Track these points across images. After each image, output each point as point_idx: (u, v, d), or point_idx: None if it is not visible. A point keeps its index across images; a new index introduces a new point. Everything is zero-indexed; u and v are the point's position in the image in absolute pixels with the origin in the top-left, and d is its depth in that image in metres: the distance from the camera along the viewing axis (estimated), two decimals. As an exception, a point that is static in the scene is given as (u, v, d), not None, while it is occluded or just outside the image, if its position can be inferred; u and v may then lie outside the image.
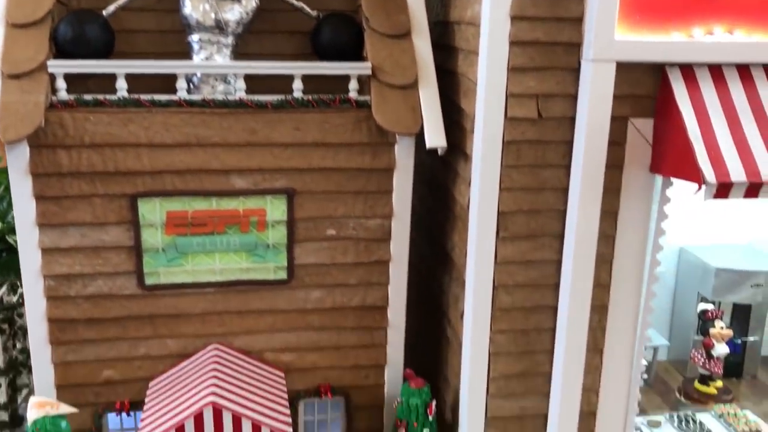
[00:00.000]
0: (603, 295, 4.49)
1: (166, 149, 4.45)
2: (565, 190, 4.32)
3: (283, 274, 4.80)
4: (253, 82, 4.59)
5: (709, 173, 3.77)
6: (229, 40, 4.71)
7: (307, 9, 4.91)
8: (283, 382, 4.80)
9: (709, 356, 6.42)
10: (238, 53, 4.82)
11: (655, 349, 7.65)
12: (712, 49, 4.07)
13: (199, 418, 4.09)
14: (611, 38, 3.99)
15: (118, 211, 4.52)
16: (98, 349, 4.73)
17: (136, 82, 4.48)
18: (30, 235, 4.46)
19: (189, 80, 4.69)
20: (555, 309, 4.52)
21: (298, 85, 4.60)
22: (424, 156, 5.13)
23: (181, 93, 4.48)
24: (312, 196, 4.70)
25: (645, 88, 4.17)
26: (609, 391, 4.70)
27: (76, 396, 4.71)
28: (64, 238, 4.50)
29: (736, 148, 3.89)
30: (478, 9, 4.22)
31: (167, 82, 4.51)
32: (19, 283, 5.91)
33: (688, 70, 4.09)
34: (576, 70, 4.12)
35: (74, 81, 4.48)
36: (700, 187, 3.79)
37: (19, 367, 6.30)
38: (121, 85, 4.43)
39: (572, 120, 4.20)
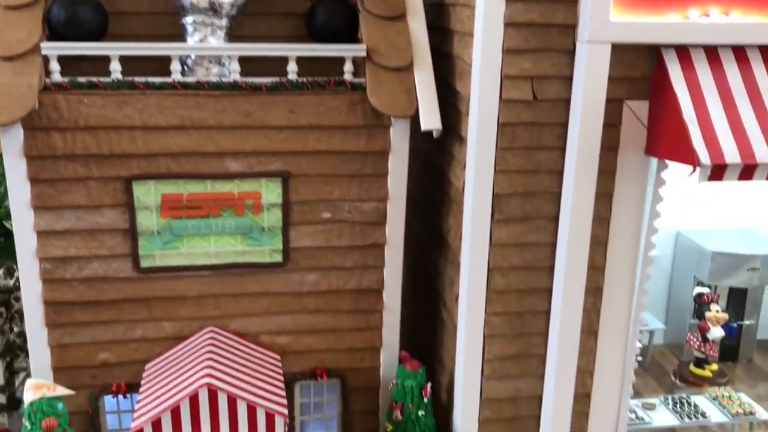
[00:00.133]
0: (598, 278, 4.50)
1: (161, 132, 4.45)
2: (560, 173, 4.32)
3: (278, 257, 4.80)
4: (248, 65, 4.57)
5: (703, 155, 3.76)
6: (224, 22, 4.69)
7: (302, -9, 4.89)
8: (279, 364, 4.82)
9: (705, 339, 6.45)
10: (233, 35, 4.80)
11: (651, 333, 7.69)
12: (708, 31, 4.06)
13: (194, 400, 4.11)
14: (606, 19, 3.97)
15: (113, 193, 4.51)
16: (94, 332, 4.74)
17: (130, 64, 4.46)
18: (25, 218, 4.46)
19: (183, 62, 4.68)
20: (550, 291, 4.54)
21: (292, 68, 4.58)
22: (420, 139, 5.12)
23: (176, 75, 4.46)
24: (307, 179, 4.70)
25: (640, 70, 4.16)
26: (603, 373, 4.72)
27: (73, 378, 4.73)
28: (60, 221, 4.50)
29: (731, 129, 3.89)
30: (473, -10, 4.20)
31: (161, 65, 4.49)
32: (15, 267, 5.91)
33: (683, 52, 4.08)
34: (571, 52, 4.11)
35: (68, 63, 4.46)
36: (694, 169, 3.79)
37: (17, 350, 6.32)
38: (115, 67, 4.41)
39: (567, 102, 4.19)
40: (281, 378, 4.64)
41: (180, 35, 4.73)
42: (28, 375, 4.81)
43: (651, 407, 6.13)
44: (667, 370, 7.43)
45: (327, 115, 4.58)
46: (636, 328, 4.69)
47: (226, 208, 4.65)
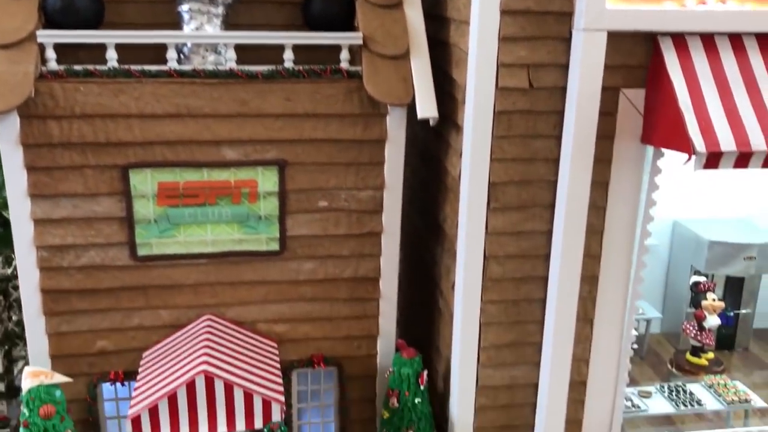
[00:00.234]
0: (593, 266, 4.51)
1: (157, 120, 4.44)
2: (556, 161, 4.32)
3: (275, 246, 4.81)
4: (244, 53, 4.57)
5: (699, 143, 3.77)
6: (220, 10, 4.68)
7: (298, -21, 4.88)
8: (276, 352, 4.84)
9: (701, 328, 6.46)
10: (229, 23, 4.79)
11: (648, 322, 7.71)
12: (705, 18, 4.05)
13: (191, 387, 4.13)
14: (602, 7, 3.97)
15: (109, 182, 4.52)
16: (92, 320, 4.76)
17: (126, 52, 4.45)
18: (22, 206, 4.47)
19: (179, 50, 4.67)
20: (545, 279, 4.55)
21: (288, 56, 4.58)
22: (417, 128, 5.13)
23: (172, 63, 4.46)
24: (303, 168, 4.70)
25: (636, 58, 4.16)
26: (599, 361, 4.74)
27: (71, 366, 4.75)
28: (56, 209, 4.51)
29: (727, 117, 3.89)
30: (470, -22, 4.19)
31: (158, 53, 4.48)
32: (13, 256, 5.92)
33: (679, 40, 4.07)
34: (567, 40, 4.10)
35: (65, 51, 4.45)
36: (690, 157, 3.79)
37: (15, 339, 6.33)
38: (111, 55, 4.40)
39: (563, 90, 4.19)
40: (278, 366, 4.66)
41: (176, 23, 4.72)
42: (27, 363, 4.83)
43: (647, 395, 6.15)
44: (663, 359, 7.45)
45: (323, 103, 4.58)
46: (632, 316, 4.71)
47: (222, 197, 4.66)
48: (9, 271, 6.27)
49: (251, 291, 4.90)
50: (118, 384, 4.85)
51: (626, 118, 4.24)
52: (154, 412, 4.12)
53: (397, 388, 4.86)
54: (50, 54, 4.33)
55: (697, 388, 6.34)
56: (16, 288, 6.23)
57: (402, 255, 5.05)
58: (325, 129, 4.63)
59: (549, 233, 4.46)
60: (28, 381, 4.35)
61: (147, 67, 4.41)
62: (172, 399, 4.13)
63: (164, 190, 4.57)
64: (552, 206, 4.40)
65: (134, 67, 4.39)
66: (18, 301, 6.21)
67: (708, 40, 4.08)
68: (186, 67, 4.48)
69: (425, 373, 4.87)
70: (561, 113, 4.23)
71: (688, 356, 6.52)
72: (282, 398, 4.32)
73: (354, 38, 4.64)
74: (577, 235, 4.36)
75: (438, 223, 5.12)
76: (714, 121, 3.86)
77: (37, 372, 4.40)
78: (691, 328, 6.54)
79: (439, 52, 4.85)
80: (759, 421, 6.09)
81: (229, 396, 4.18)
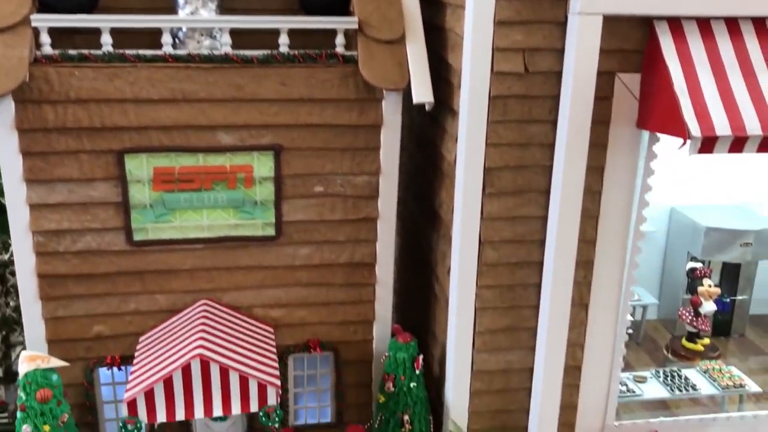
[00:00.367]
0: (589, 251, 4.52)
1: (152, 104, 4.44)
2: (552, 146, 4.32)
3: (271, 231, 4.82)
4: (239, 37, 4.55)
5: (694, 127, 3.76)
6: (215, -6, 4.67)
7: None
8: (272, 337, 4.85)
9: (697, 314, 6.47)
10: (224, 8, 4.78)
11: (645, 308, 7.71)
12: (701, 2, 4.03)
13: (186, 370, 4.14)
14: (598, -9, 3.95)
15: (105, 167, 4.52)
16: (88, 305, 4.77)
17: (121, 37, 4.44)
18: (18, 192, 4.47)
19: (174, 35, 4.66)
20: (541, 264, 4.56)
21: (284, 40, 4.56)
22: (413, 113, 5.12)
23: (167, 48, 4.45)
24: (299, 153, 4.70)
25: (632, 43, 4.14)
26: (594, 346, 4.76)
27: (68, 351, 4.77)
28: (52, 194, 4.51)
29: (722, 102, 3.88)
30: (465, -38, 4.17)
31: (153, 38, 4.47)
32: (10, 241, 5.92)
33: (675, 24, 4.06)
34: (563, 24, 4.09)
35: (61, 36, 4.44)
36: (685, 142, 3.79)
37: (13, 324, 6.34)
38: (106, 39, 4.39)
39: (559, 75, 4.18)
40: (274, 350, 4.68)
41: (171, 8, 4.71)
42: (24, 348, 4.85)
43: (642, 380, 6.17)
44: (660, 344, 7.45)
45: (319, 88, 4.57)
46: (627, 301, 4.72)
47: (218, 182, 4.66)
48: (6, 256, 6.27)
49: (247, 276, 4.91)
50: (115, 368, 4.88)
51: (622, 102, 4.23)
52: (149, 395, 4.14)
53: (393, 372, 4.88)
54: (45, 38, 4.32)
55: (692, 373, 6.35)
56: (13, 273, 6.23)
57: (398, 240, 5.06)
58: (320, 114, 4.63)
59: (544, 218, 4.46)
60: (24, 365, 4.37)
61: (142, 52, 4.40)
62: (168, 383, 4.14)
63: (160, 175, 4.57)
64: (547, 191, 4.41)
65: (129, 52, 4.38)
66: (15, 286, 6.21)
67: (704, 24, 4.07)
68: (181, 52, 4.47)
69: (421, 357, 4.90)
70: (556, 98, 4.22)
71: (684, 342, 6.53)
72: (278, 382, 4.33)
73: (349, 23, 4.62)
74: (573, 220, 4.36)
75: (434, 209, 5.12)
76: (709, 106, 3.86)
77: (33, 356, 4.42)
78: (687, 313, 6.55)
79: (435, 36, 4.83)
80: (753, 406, 6.11)
81: (224, 380, 4.19)
